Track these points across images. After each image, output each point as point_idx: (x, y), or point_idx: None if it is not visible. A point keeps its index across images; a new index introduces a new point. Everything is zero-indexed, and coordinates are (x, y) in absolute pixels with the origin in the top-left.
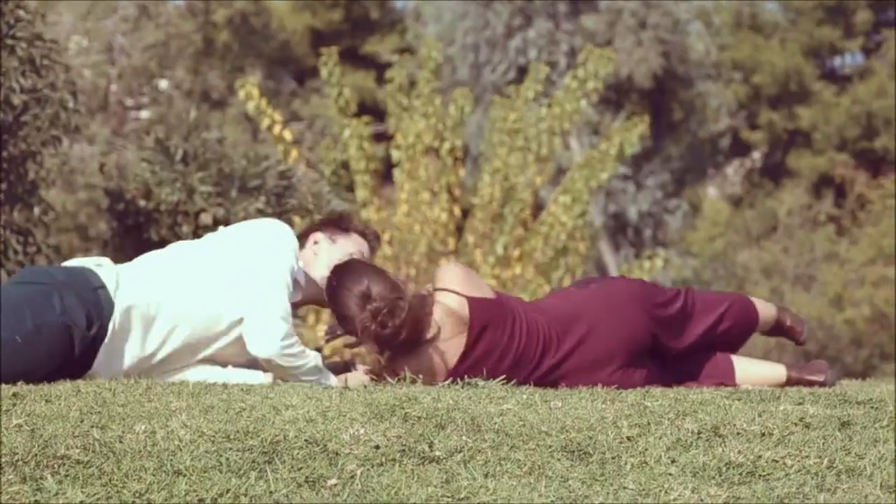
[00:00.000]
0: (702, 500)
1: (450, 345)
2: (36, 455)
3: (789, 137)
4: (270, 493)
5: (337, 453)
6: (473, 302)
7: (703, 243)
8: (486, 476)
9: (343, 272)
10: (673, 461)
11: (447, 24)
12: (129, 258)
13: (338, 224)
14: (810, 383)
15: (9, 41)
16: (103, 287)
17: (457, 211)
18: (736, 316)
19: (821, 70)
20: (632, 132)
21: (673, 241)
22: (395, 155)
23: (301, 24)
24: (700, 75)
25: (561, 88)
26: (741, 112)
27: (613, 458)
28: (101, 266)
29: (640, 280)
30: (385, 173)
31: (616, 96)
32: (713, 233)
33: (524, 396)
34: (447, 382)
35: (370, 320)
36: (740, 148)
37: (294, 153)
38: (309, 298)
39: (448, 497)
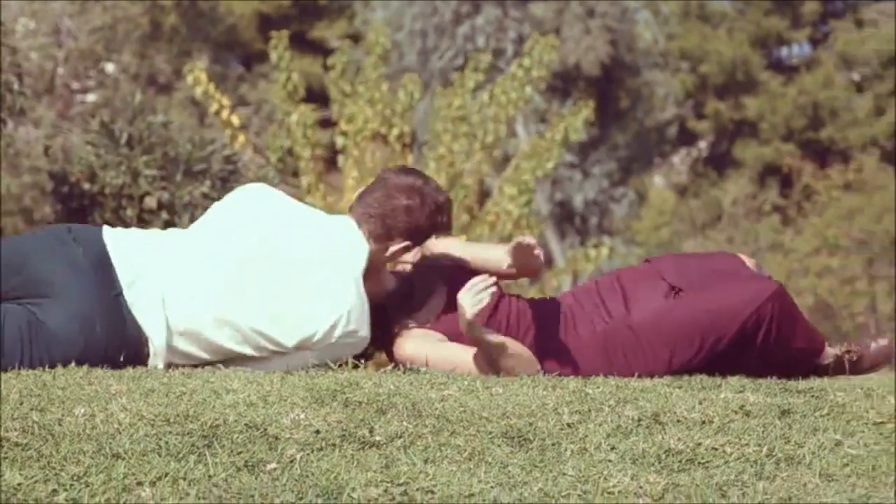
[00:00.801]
0: (641, 486)
1: None
2: None
3: (735, 127)
4: (209, 476)
5: (277, 438)
6: None
7: (648, 232)
8: (425, 462)
9: None
10: (613, 448)
11: (395, 10)
12: None
13: None
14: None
15: None
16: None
17: None
18: None
19: (768, 60)
20: (577, 118)
21: (618, 230)
22: (340, 141)
23: (249, 8)
24: (647, 64)
25: (506, 76)
26: (688, 101)
27: (553, 444)
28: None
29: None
30: (332, 159)
31: (563, 84)
32: (658, 222)
33: (465, 382)
34: (389, 369)
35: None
36: (687, 137)
37: (241, 138)
38: None
39: (387, 482)
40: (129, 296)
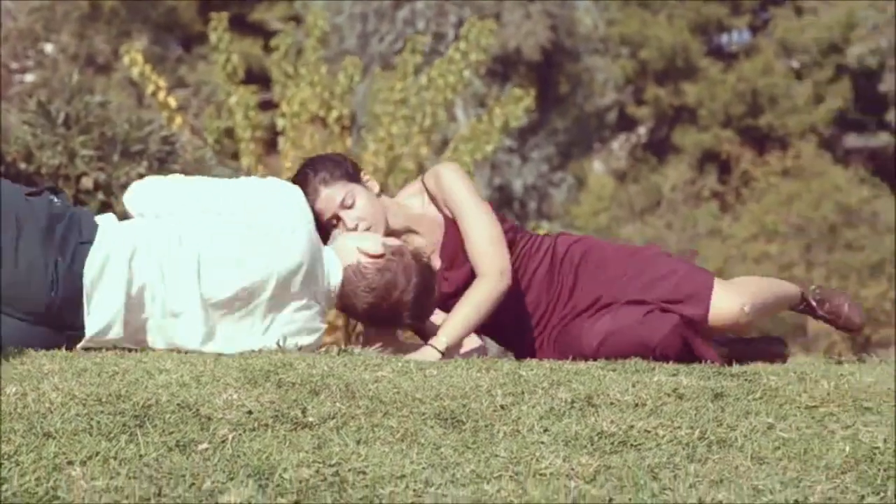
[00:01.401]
0: (572, 468)
1: None
2: None
3: (675, 113)
4: (140, 456)
5: (209, 418)
6: None
7: (587, 217)
8: (358, 442)
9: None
10: (545, 430)
11: None
12: None
13: None
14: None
15: None
16: None
17: None
18: None
19: (707, 47)
20: (517, 105)
21: (557, 215)
22: (281, 123)
23: None
24: (587, 49)
25: (443, 59)
26: (628, 87)
27: (486, 426)
28: None
29: None
30: (271, 141)
31: (503, 69)
32: (597, 207)
33: (399, 364)
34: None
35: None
36: (626, 123)
37: (179, 119)
38: None
39: (319, 463)
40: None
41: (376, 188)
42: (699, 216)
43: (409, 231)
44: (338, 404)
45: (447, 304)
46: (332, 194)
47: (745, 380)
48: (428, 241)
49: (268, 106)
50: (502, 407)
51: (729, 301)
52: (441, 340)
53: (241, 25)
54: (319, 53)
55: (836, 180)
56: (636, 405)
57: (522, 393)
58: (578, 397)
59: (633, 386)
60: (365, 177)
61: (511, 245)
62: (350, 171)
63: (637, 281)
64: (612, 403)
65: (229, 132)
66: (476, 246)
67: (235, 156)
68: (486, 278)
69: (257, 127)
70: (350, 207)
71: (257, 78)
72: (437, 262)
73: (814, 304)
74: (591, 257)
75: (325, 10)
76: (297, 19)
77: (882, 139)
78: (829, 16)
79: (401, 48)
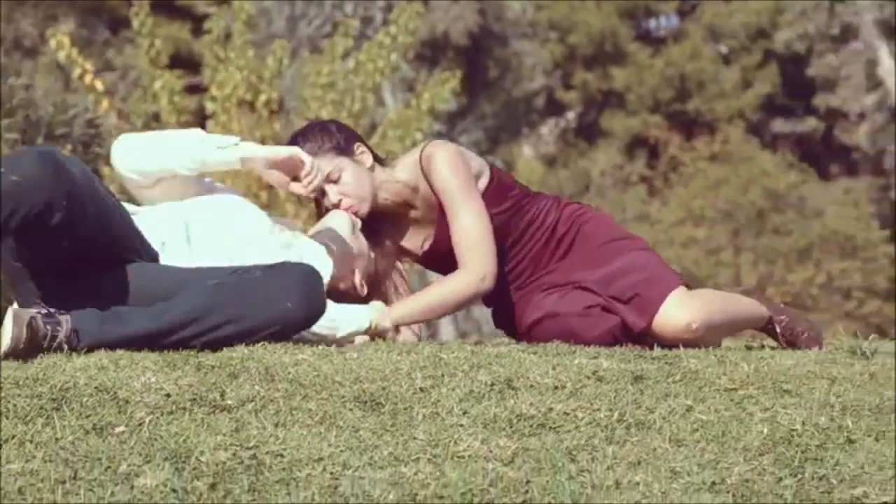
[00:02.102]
0: (491, 450)
1: None
2: None
3: (603, 98)
4: (57, 439)
5: (127, 401)
6: None
7: None
8: (276, 425)
9: None
10: (465, 412)
11: None
12: None
13: None
14: None
15: None
16: None
17: None
18: None
19: (636, 32)
20: (444, 87)
21: None
22: (210, 107)
23: None
24: (516, 34)
25: (371, 43)
26: (556, 72)
27: (405, 408)
28: None
29: None
30: (199, 125)
31: (432, 53)
32: None
33: (320, 347)
34: None
35: None
36: (555, 107)
37: (105, 103)
38: None
39: (236, 446)
40: None
41: (368, 161)
42: (627, 201)
43: (404, 206)
44: (257, 387)
45: None
46: (324, 166)
47: (666, 363)
48: (423, 217)
49: (195, 90)
50: (422, 390)
51: (678, 315)
52: (393, 314)
53: (168, 9)
54: (246, 37)
55: (764, 165)
56: (556, 388)
57: (442, 376)
58: (498, 380)
59: (554, 369)
60: (358, 148)
61: (518, 211)
62: (341, 144)
63: (600, 270)
64: (531, 386)
65: (157, 116)
66: (460, 244)
67: None
68: (466, 277)
69: (183, 111)
70: (335, 182)
71: (185, 61)
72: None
73: (777, 330)
74: (585, 232)
75: None
76: (224, 2)
77: (809, 124)
78: (757, 1)
79: (329, 32)
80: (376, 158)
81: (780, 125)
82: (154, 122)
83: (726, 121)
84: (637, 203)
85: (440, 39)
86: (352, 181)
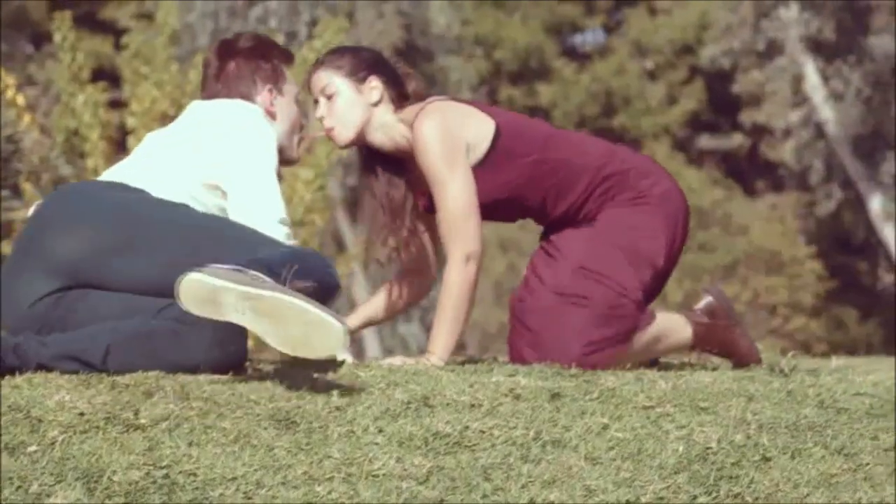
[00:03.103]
0: (406, 469)
1: None
2: None
3: (529, 114)
4: None
5: (40, 420)
6: None
7: None
8: (190, 444)
9: None
10: (380, 431)
11: None
12: None
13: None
14: None
15: None
16: None
17: None
18: None
19: (561, 47)
20: None
21: None
22: (130, 122)
23: None
24: (442, 49)
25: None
26: (482, 87)
27: (321, 427)
28: None
29: None
30: (122, 141)
31: None
32: None
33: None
34: None
35: None
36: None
37: (27, 118)
38: None
39: (150, 465)
40: None
41: (374, 97)
42: None
43: (398, 153)
44: (171, 406)
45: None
46: (321, 78)
47: (584, 380)
48: (415, 172)
49: (118, 105)
50: (337, 408)
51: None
52: (436, 357)
53: (91, 23)
54: (170, 52)
55: (690, 181)
56: (472, 405)
57: (359, 394)
58: (415, 398)
59: (471, 386)
60: (371, 81)
61: (536, 177)
62: (352, 69)
63: (562, 275)
64: (448, 404)
65: (78, 131)
66: (440, 224)
67: (84, 155)
68: (451, 267)
69: (106, 126)
70: (329, 98)
71: (109, 76)
72: None
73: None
74: (597, 221)
75: (176, 8)
76: (148, 17)
77: (735, 140)
78: (683, 17)
79: None
80: (398, 101)
81: (705, 141)
82: (75, 136)
83: (652, 137)
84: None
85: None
86: (341, 106)
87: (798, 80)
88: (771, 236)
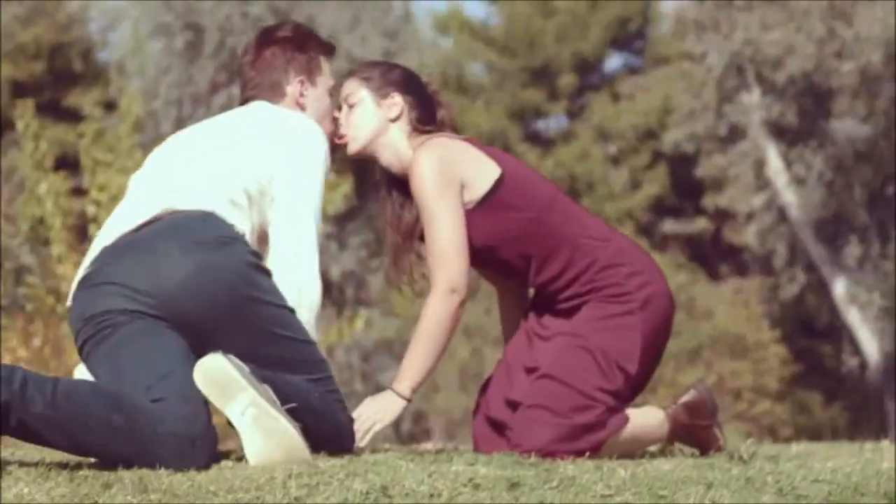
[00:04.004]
0: None
1: None
2: None
3: None
4: None
5: None
6: None
7: (405, 304)
8: None
9: None
10: None
11: (151, 78)
12: None
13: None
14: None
15: None
16: None
17: None
18: None
19: (525, 132)
20: (336, 192)
21: (375, 301)
22: (91, 210)
23: (2, 75)
24: None
25: None
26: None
27: None
28: None
29: None
30: (83, 228)
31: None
32: None
33: None
34: None
35: None
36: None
37: None
38: None
39: None
40: None
41: (392, 113)
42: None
43: (404, 176)
44: (130, 498)
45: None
46: (347, 86)
47: (544, 469)
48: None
49: (82, 192)
50: (297, 499)
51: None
52: (405, 385)
53: (55, 111)
54: (133, 139)
55: None
56: (432, 495)
57: (317, 484)
58: (374, 488)
59: (430, 476)
60: (394, 99)
61: (525, 238)
62: (378, 83)
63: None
64: (407, 494)
65: (43, 219)
66: (428, 257)
67: (47, 242)
68: (435, 297)
69: (69, 214)
70: (350, 107)
71: (73, 163)
72: None
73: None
74: (578, 314)
75: (140, 95)
76: (112, 104)
77: (699, 224)
78: (646, 102)
79: None
80: (420, 123)
81: (669, 226)
82: (40, 224)
83: (616, 221)
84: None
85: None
86: (358, 116)
87: (760, 165)
88: (735, 320)
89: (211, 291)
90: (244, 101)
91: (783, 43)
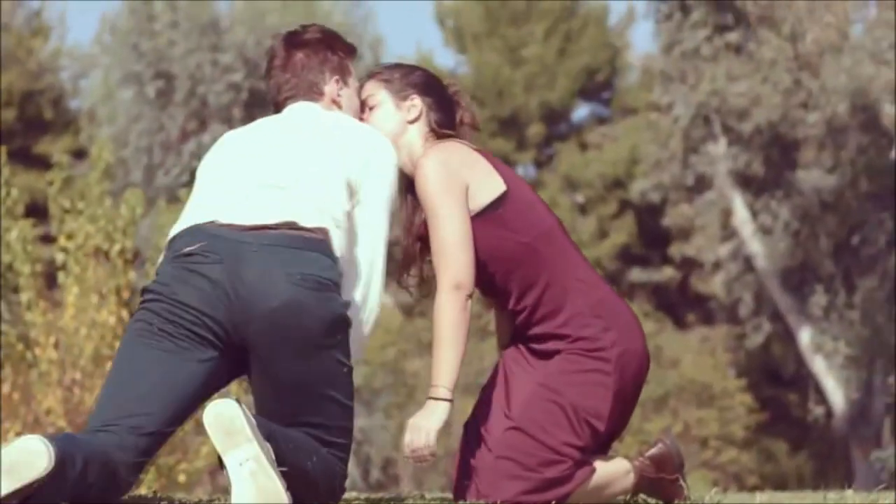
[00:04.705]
0: None
1: None
2: None
3: None
4: None
5: None
6: None
7: (375, 351)
8: None
9: None
10: None
11: (122, 126)
12: None
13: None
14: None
15: None
16: None
17: (125, 315)
18: None
19: None
20: None
21: None
22: (60, 257)
23: None
24: None
25: None
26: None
27: None
28: None
29: None
30: (53, 275)
31: None
32: (385, 340)
33: None
34: None
35: None
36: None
37: None
38: None
39: None
40: None
41: (411, 115)
42: (485, 349)
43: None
44: None
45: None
46: (368, 88)
47: None
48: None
49: (50, 239)
50: None
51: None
52: (441, 389)
53: (26, 157)
54: (103, 187)
55: None
56: None
57: None
58: None
59: None
60: (413, 101)
61: (516, 265)
62: (402, 86)
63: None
64: None
65: (12, 266)
66: (433, 255)
67: (17, 290)
68: (441, 294)
69: (38, 261)
70: (370, 109)
71: (43, 210)
72: None
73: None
74: (553, 362)
75: (110, 142)
76: (82, 152)
77: (666, 273)
78: (613, 152)
79: (187, 181)
80: (438, 126)
81: (636, 274)
82: (9, 271)
83: None
84: (494, 353)
85: None
86: (378, 117)
87: (727, 214)
88: (702, 369)
89: (293, 326)
90: (279, 104)
91: (749, 94)
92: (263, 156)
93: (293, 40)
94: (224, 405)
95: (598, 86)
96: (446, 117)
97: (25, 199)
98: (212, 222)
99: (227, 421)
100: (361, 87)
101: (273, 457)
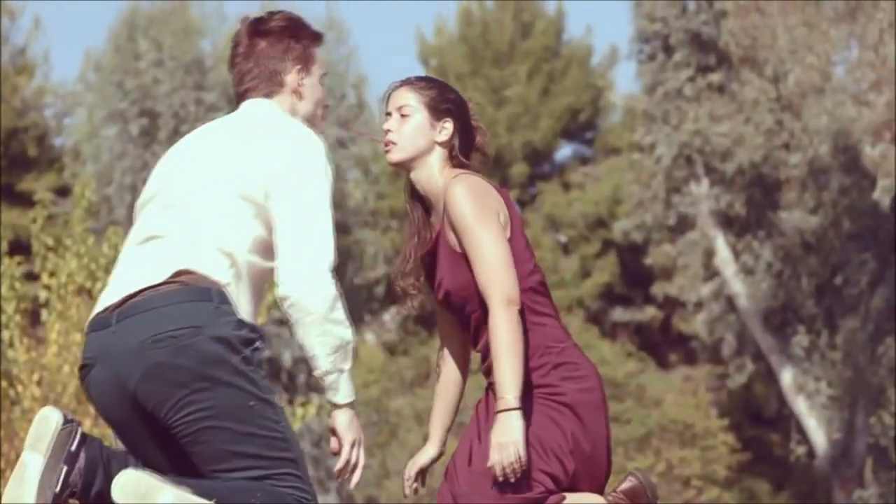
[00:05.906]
0: None
1: None
2: None
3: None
4: None
5: None
6: None
7: (358, 389)
8: None
9: None
10: None
11: (106, 164)
12: None
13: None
14: None
15: None
16: None
17: None
18: None
19: None
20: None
21: None
22: (43, 295)
23: None
24: (357, 222)
25: None
26: (397, 260)
27: None
28: None
29: None
30: (36, 312)
31: None
32: (368, 379)
33: None
34: None
35: None
36: (397, 295)
37: None
38: None
39: None
40: None
41: (441, 137)
42: (468, 389)
43: (427, 198)
44: None
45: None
46: (404, 96)
47: None
48: (436, 219)
49: (34, 276)
50: None
51: None
52: (508, 399)
53: (9, 195)
54: (86, 224)
55: (604, 354)
56: None
57: None
58: None
59: None
60: (446, 123)
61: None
62: (439, 102)
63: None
64: None
65: None
66: (478, 275)
67: (0, 327)
68: (495, 312)
69: (23, 298)
70: (402, 116)
71: (27, 248)
72: None
73: None
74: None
75: (94, 180)
76: (66, 190)
77: (648, 313)
78: (596, 192)
79: None
80: (459, 151)
81: (619, 314)
82: None
83: (566, 310)
84: (478, 391)
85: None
86: (410, 128)
87: (709, 254)
88: (684, 408)
89: (165, 387)
90: (241, 94)
91: (732, 134)
92: (176, 171)
93: (258, 28)
94: (124, 476)
95: (581, 126)
96: (466, 146)
97: (9, 236)
98: (94, 316)
99: (134, 484)
100: (391, 91)
101: (197, 492)
